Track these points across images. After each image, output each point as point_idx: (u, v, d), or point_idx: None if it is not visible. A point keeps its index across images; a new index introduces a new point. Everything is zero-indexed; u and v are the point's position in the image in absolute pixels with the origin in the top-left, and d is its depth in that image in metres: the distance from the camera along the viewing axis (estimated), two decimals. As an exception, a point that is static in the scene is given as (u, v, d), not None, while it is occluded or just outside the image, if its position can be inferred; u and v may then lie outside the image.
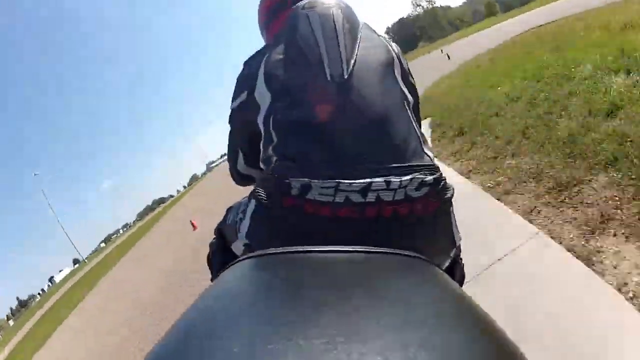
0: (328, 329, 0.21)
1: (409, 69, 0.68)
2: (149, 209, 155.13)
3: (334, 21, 0.59)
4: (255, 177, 0.75)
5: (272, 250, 0.36)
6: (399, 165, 0.52)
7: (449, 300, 0.29)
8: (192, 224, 7.70)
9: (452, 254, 0.61)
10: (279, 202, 0.53)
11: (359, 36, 0.61)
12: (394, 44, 0.67)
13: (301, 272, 0.32)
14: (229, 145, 0.74)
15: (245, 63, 0.66)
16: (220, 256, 0.72)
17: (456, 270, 0.68)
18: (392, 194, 0.50)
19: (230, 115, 0.68)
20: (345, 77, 0.55)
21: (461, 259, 0.71)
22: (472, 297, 0.30)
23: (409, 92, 0.63)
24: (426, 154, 0.58)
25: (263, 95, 0.59)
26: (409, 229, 0.52)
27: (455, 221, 0.61)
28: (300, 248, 0.35)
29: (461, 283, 0.73)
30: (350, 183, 0.49)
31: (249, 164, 0.73)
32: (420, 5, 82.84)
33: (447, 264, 0.62)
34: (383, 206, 0.50)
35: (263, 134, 0.59)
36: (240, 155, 0.73)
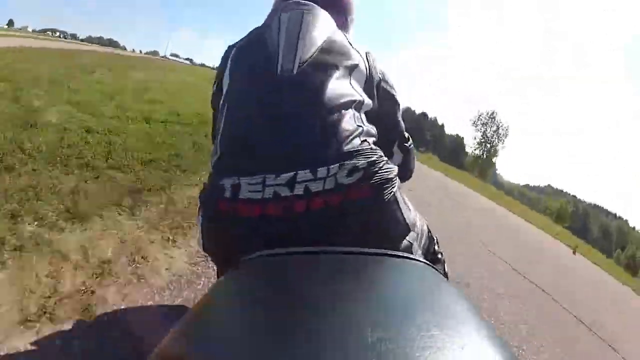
0: (322, 330, 0.21)
1: (383, 78, 0.69)
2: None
3: (301, 24, 0.62)
4: None
5: (267, 252, 0.37)
6: (327, 154, 0.51)
7: (441, 298, 0.30)
8: None
9: (412, 241, 0.59)
10: (216, 208, 0.53)
11: (322, 41, 0.62)
12: (370, 54, 0.68)
13: (296, 273, 0.33)
14: (212, 129, 0.75)
15: (230, 45, 0.69)
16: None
17: (437, 266, 0.66)
18: (321, 184, 0.49)
19: (211, 99, 0.71)
20: (294, 72, 0.56)
21: (441, 253, 0.71)
22: (463, 293, 0.31)
23: (371, 98, 0.63)
24: (363, 140, 0.56)
25: (226, 81, 0.62)
26: (342, 219, 0.50)
27: (407, 203, 0.59)
28: (295, 249, 0.36)
29: (445, 278, 0.74)
30: (276, 176, 0.48)
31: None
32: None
33: (417, 254, 0.60)
34: (312, 198, 0.48)
35: (219, 123, 0.60)
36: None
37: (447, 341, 0.22)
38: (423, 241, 0.64)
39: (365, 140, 0.56)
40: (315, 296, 0.27)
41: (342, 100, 0.57)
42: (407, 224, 0.57)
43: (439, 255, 0.69)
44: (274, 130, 0.53)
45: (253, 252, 0.45)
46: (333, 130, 0.54)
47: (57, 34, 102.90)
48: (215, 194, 0.52)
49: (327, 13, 0.68)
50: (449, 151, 57.23)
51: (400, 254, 0.36)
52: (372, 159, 0.52)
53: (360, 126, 0.57)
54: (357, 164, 0.50)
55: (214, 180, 0.53)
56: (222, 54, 0.70)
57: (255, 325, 0.24)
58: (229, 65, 0.63)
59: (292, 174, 0.48)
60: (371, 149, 0.55)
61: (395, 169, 0.56)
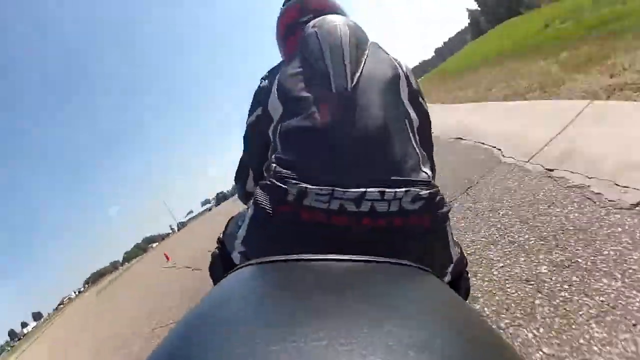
0: (326, 335, 0.21)
1: (420, 90, 0.69)
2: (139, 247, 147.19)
3: (340, 37, 0.62)
4: None
5: (270, 258, 0.36)
6: (394, 178, 0.52)
7: (447, 308, 0.29)
8: (166, 256, 8.63)
9: (449, 270, 0.60)
10: (276, 208, 0.53)
11: (365, 52, 0.63)
12: (404, 63, 0.69)
13: (299, 279, 0.32)
14: (240, 164, 0.75)
15: (262, 78, 0.69)
16: (220, 265, 0.72)
17: (461, 283, 0.68)
18: (386, 205, 0.50)
19: (245, 132, 0.70)
20: (349, 89, 0.57)
21: (467, 272, 0.71)
22: (470, 305, 0.29)
23: (415, 112, 0.64)
24: (423, 171, 0.57)
25: (276, 108, 0.61)
26: (402, 241, 0.51)
27: (453, 237, 0.60)
28: (298, 256, 0.35)
29: (466, 296, 0.73)
30: (345, 191, 0.49)
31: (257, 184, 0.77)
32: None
33: (449, 276, 0.61)
34: (377, 217, 0.50)
35: (272, 144, 0.61)
36: (251, 174, 0.73)
37: (449, 353, 0.21)
38: (456, 273, 0.65)
39: (425, 172, 0.57)
40: (318, 302, 0.26)
41: (399, 118, 0.59)
42: (452, 257, 0.60)
43: (465, 273, 0.70)
44: (344, 138, 0.54)
45: (306, 254, 0.46)
46: (400, 153, 0.55)
47: None
48: (276, 195, 0.53)
49: (354, 22, 0.68)
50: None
51: (408, 263, 0.36)
52: (433, 190, 0.54)
53: (420, 152, 0.59)
54: (420, 193, 0.52)
55: (274, 182, 0.53)
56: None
57: (255, 328, 0.23)
58: (274, 92, 0.62)
59: (361, 191, 0.49)
60: (430, 182, 0.56)
61: (450, 206, 0.58)
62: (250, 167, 0.73)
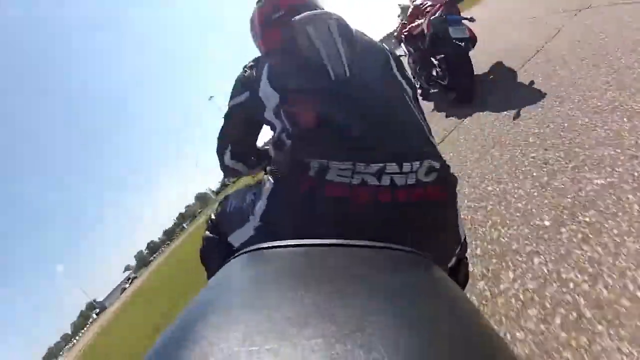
0: (325, 327, 0.21)
1: (402, 65, 0.74)
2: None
3: (330, 30, 0.65)
4: (242, 171, 0.84)
5: (268, 244, 0.36)
6: (409, 151, 0.54)
7: (443, 297, 0.30)
8: None
9: (457, 251, 0.61)
10: (297, 183, 0.54)
11: (354, 40, 0.66)
12: (385, 46, 0.74)
13: (300, 267, 0.32)
14: (219, 140, 0.79)
15: (246, 67, 0.72)
16: (215, 250, 0.73)
17: (461, 268, 0.69)
18: (404, 178, 0.51)
19: (229, 110, 0.74)
20: (348, 75, 0.59)
21: (466, 258, 0.72)
22: (466, 295, 0.29)
23: (406, 82, 0.68)
24: (431, 141, 0.59)
25: (269, 96, 0.63)
26: (422, 214, 0.53)
27: (461, 218, 0.61)
28: (296, 242, 0.35)
29: (465, 282, 0.75)
30: (366, 165, 0.51)
31: (234, 159, 0.80)
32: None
33: (453, 261, 0.62)
34: (396, 190, 0.51)
35: (274, 124, 0.64)
36: (228, 150, 0.78)
37: (444, 344, 0.21)
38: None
39: (433, 142, 0.59)
40: (318, 291, 0.26)
41: (399, 93, 0.62)
42: (460, 236, 0.61)
43: (464, 259, 0.71)
44: (355, 117, 0.56)
45: (326, 231, 0.49)
46: (409, 126, 0.58)
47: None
48: (298, 170, 0.53)
49: (336, 14, 0.71)
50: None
51: (409, 249, 0.36)
52: (442, 161, 0.56)
53: (425, 122, 0.63)
54: (433, 165, 0.54)
55: (294, 157, 0.55)
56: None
57: (256, 321, 0.23)
58: (265, 81, 0.64)
59: (381, 165, 0.51)
60: (439, 153, 0.58)
61: (456, 179, 0.60)
62: (230, 143, 0.78)
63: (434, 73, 3.46)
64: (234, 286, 0.31)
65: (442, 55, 3.13)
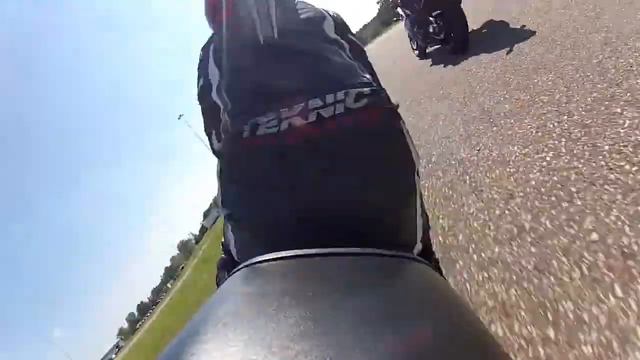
0: (319, 342, 0.21)
1: (346, 27, 0.76)
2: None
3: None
4: None
5: (262, 257, 0.36)
6: (333, 84, 0.54)
7: (440, 302, 0.30)
8: None
9: (415, 175, 0.59)
10: (235, 153, 0.56)
11: (291, 6, 0.70)
12: (333, 12, 0.75)
13: (295, 280, 0.32)
14: (204, 126, 0.78)
15: (201, 49, 0.73)
16: (224, 271, 0.72)
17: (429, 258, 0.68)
18: (331, 109, 0.51)
19: (197, 98, 0.75)
20: (276, 36, 0.61)
21: (431, 243, 0.71)
22: (462, 296, 0.34)
23: (346, 42, 0.69)
24: (363, 75, 0.59)
25: (214, 73, 0.66)
26: (356, 141, 0.52)
27: (412, 141, 0.59)
28: (296, 253, 0.35)
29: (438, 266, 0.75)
30: (289, 109, 0.52)
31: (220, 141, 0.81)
32: None
33: (416, 186, 0.60)
34: (325, 122, 0.50)
35: (221, 105, 0.64)
36: (213, 134, 0.76)
37: (439, 348, 0.22)
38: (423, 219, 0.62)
39: (365, 77, 0.60)
40: (312, 305, 0.26)
41: (331, 47, 0.63)
42: (414, 157, 0.57)
43: (430, 247, 0.71)
44: (278, 71, 0.58)
45: (273, 179, 0.51)
46: (336, 66, 0.59)
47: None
48: (233, 138, 0.55)
49: None
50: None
51: (404, 254, 0.37)
52: (375, 88, 0.55)
53: (357, 62, 0.64)
54: (363, 91, 0.53)
55: (230, 128, 0.56)
56: None
57: (260, 335, 0.23)
58: (212, 60, 0.67)
59: (303, 103, 0.51)
60: (372, 82, 0.58)
61: (397, 104, 0.59)
62: (213, 127, 0.75)
63: (431, 30, 3.82)
64: (227, 303, 0.30)
65: (439, 11, 3.49)
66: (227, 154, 0.58)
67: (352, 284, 0.30)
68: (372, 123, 0.53)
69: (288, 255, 0.34)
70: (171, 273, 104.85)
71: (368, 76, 0.60)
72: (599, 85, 1.58)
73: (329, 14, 0.72)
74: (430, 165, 2.15)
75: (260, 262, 0.35)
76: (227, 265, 0.68)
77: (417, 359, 0.20)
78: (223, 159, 0.60)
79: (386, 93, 0.58)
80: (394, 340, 0.22)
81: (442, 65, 3.68)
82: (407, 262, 0.36)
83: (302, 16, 0.68)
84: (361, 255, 0.35)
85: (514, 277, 1.10)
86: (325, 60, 0.59)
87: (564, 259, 1.03)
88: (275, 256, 0.35)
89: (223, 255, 0.74)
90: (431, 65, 3.97)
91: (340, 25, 0.71)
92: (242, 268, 0.36)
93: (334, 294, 0.28)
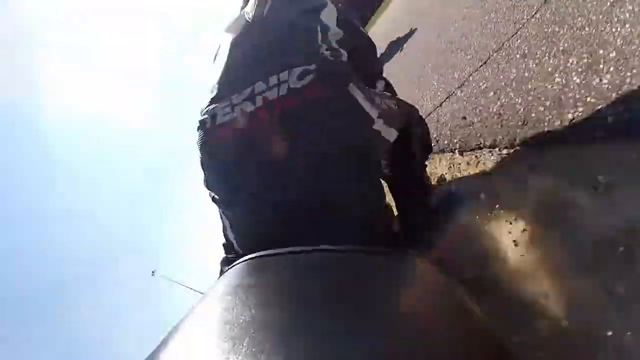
0: (312, 338, 0.22)
1: (351, 20, 0.76)
2: None
3: None
4: None
5: (260, 253, 0.36)
6: (278, 66, 0.54)
7: (437, 295, 0.30)
8: None
9: (376, 126, 0.57)
10: (203, 143, 0.58)
11: None
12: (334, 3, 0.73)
13: (290, 275, 0.32)
14: None
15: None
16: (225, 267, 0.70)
17: (412, 130, 0.68)
18: (275, 91, 0.51)
19: None
20: (264, 15, 0.64)
21: (420, 117, 0.71)
22: (461, 290, 0.32)
23: (340, 28, 0.66)
24: (323, 44, 0.57)
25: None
26: (305, 119, 0.51)
27: (372, 94, 0.58)
28: (289, 249, 0.34)
29: (427, 148, 0.78)
30: (239, 94, 0.53)
31: None
32: None
33: (392, 136, 0.58)
34: (273, 105, 0.51)
35: None
36: None
37: (438, 342, 0.22)
38: (397, 123, 0.61)
39: (328, 44, 0.58)
40: (305, 301, 0.26)
41: (309, 27, 0.60)
42: (369, 114, 0.56)
43: (414, 120, 0.72)
44: (240, 55, 0.60)
45: (242, 171, 0.52)
46: (299, 43, 0.58)
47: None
48: (199, 128, 0.57)
49: None
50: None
51: (402, 250, 0.35)
52: (320, 61, 0.53)
53: (328, 38, 0.60)
54: (308, 68, 0.52)
55: (200, 118, 0.58)
56: None
57: (250, 332, 0.22)
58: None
59: (250, 88, 0.52)
60: (329, 49, 0.56)
61: (348, 65, 0.57)
62: None
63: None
64: (222, 301, 0.30)
65: None
66: (197, 143, 0.60)
67: (340, 282, 0.30)
68: (318, 99, 0.52)
69: (271, 253, 0.36)
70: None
71: (334, 45, 0.59)
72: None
73: (330, 2, 0.71)
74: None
75: (252, 258, 0.36)
76: (225, 264, 0.70)
77: (409, 350, 0.20)
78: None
79: (339, 57, 0.57)
80: (382, 331, 0.22)
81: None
82: (395, 257, 0.36)
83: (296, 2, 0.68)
84: (355, 253, 0.35)
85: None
86: (290, 41, 0.59)
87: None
88: (265, 253, 0.36)
89: (223, 255, 0.74)
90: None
91: (339, 14, 0.70)
92: (234, 265, 0.37)
93: (318, 294, 0.28)
